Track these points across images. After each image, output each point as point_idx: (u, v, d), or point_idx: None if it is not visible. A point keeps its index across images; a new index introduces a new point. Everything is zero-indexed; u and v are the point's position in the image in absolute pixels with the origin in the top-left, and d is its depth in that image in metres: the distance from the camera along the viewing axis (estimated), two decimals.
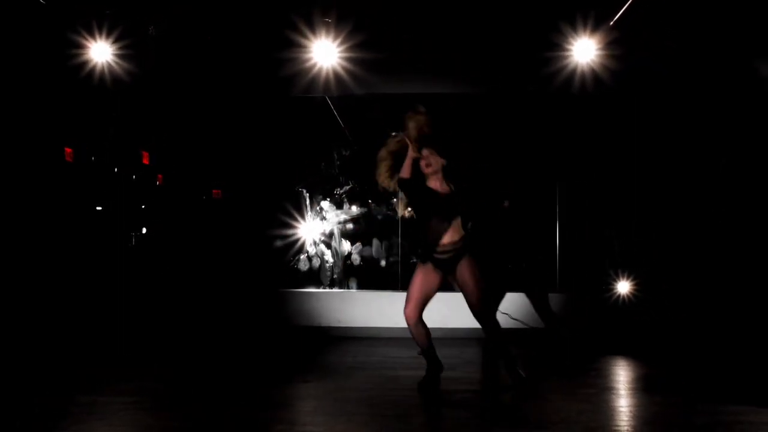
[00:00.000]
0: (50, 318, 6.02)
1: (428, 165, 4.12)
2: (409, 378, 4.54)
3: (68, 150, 6.70)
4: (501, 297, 5.70)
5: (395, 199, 7.21)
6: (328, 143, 7.30)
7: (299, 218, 7.18)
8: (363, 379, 4.54)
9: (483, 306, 4.13)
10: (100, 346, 5.75)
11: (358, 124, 7.17)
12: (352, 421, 3.57)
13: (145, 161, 8.18)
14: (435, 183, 4.16)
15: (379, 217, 7.32)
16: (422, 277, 4.17)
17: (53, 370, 4.88)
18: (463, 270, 4.09)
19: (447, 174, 4.17)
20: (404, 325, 5.95)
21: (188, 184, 7.30)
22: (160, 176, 8.30)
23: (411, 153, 4.12)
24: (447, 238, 4.10)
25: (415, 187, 4.15)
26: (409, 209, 4.45)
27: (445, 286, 4.24)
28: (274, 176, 7.17)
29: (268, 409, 3.84)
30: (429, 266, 4.17)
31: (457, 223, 4.14)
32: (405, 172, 4.12)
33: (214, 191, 7.58)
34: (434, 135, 4.15)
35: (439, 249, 4.12)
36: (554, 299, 6.29)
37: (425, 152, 4.13)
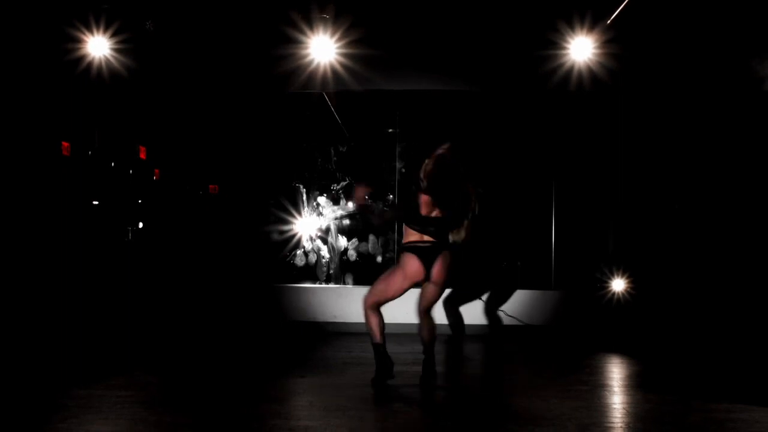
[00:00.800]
0: (45, 311, 6.01)
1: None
2: (406, 373, 4.55)
3: (65, 144, 6.67)
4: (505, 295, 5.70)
5: (390, 196, 7.21)
6: (325, 139, 7.31)
7: (296, 214, 7.19)
8: (359, 374, 4.56)
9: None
10: (95, 340, 5.73)
11: (356, 121, 7.18)
12: (347, 415, 3.59)
13: (142, 156, 8.16)
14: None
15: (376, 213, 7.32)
16: None
17: (48, 364, 4.87)
18: None
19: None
20: (401, 320, 6.00)
21: (185, 179, 7.30)
22: (156, 171, 8.29)
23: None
24: None
25: None
26: None
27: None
28: (271, 172, 7.18)
29: (264, 404, 3.85)
30: None
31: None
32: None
33: (210, 186, 7.55)
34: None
35: None
36: (549, 297, 6.33)
37: None
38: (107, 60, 6.10)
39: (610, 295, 6.23)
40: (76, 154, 6.76)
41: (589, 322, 6.25)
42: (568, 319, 6.29)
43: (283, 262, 7.13)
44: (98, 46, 6.00)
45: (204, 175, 7.31)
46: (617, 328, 6.11)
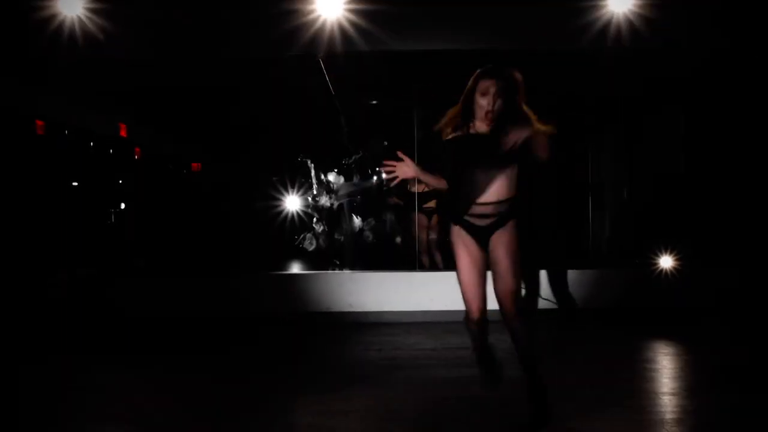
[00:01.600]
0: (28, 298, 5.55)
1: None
2: (455, 381, 3.82)
3: (39, 123, 6.28)
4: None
5: None
6: (335, 106, 6.54)
7: (304, 191, 6.51)
8: (414, 386, 3.61)
9: (513, 297, 3.11)
10: (90, 332, 5.31)
11: (373, 85, 6.42)
12: None
13: (123, 134, 7.74)
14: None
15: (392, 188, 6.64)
16: (468, 259, 3.15)
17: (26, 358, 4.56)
18: (499, 243, 3.11)
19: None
20: (423, 308, 5.39)
21: (172, 158, 6.76)
22: (137, 149, 7.83)
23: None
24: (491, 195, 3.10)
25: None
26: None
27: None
28: (276, 146, 6.44)
29: None
30: (466, 238, 3.17)
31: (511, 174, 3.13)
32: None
33: (193, 165, 7.24)
34: None
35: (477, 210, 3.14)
36: (587, 275, 5.75)
37: None
38: (81, 20, 5.30)
39: (657, 271, 5.60)
40: (52, 132, 6.35)
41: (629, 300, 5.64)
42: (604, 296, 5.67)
43: (291, 246, 6.45)
44: (70, 4, 5.18)
45: (196, 153, 6.73)
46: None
